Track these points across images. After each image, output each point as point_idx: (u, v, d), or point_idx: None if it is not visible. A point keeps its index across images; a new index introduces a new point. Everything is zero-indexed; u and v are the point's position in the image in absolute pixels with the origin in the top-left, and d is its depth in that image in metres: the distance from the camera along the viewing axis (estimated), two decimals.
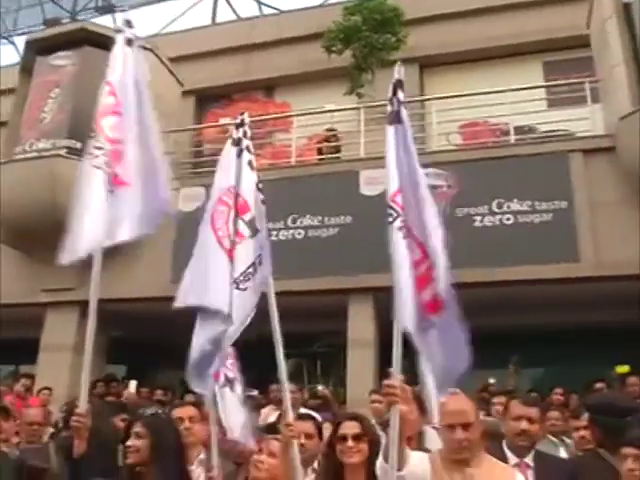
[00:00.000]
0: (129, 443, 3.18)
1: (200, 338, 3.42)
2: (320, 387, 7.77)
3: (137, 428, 3.17)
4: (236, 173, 3.68)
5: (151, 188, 3.49)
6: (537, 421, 3.56)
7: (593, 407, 4.02)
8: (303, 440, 3.68)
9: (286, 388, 3.31)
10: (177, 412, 3.99)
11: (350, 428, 3.18)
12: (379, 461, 2.79)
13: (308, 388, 7.43)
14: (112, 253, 10.54)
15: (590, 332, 9.30)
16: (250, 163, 3.77)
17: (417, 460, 2.91)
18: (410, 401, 2.70)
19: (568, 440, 4.82)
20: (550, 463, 3.57)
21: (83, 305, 10.30)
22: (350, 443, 3.13)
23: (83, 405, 3.32)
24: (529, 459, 3.51)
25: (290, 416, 3.24)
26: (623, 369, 7.94)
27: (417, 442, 3.68)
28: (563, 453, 4.41)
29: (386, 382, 2.62)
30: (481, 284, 8.62)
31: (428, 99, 11.51)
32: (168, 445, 3.12)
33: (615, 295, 8.67)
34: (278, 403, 5.92)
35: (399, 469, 2.72)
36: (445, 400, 3.10)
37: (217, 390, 3.77)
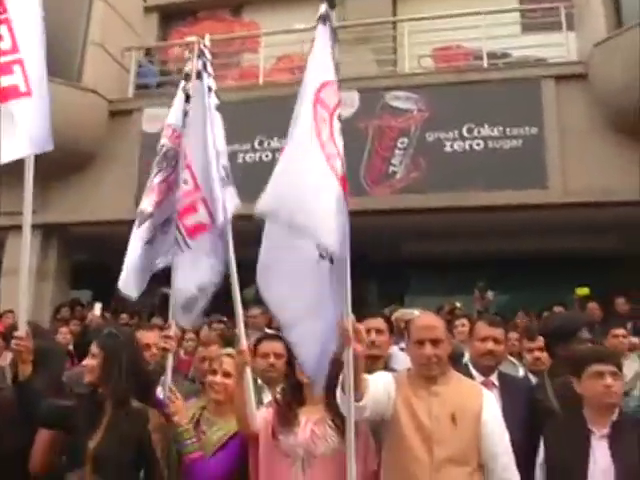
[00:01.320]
0: (85, 362, 3.14)
1: (200, 274, 3.36)
2: None
3: (93, 347, 3.13)
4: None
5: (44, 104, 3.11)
6: (502, 342, 3.61)
7: (544, 330, 4.13)
8: (272, 360, 3.66)
9: (239, 313, 3.19)
10: (144, 338, 3.93)
11: None
12: (338, 392, 2.73)
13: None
14: (72, 174, 10.26)
15: (556, 259, 9.43)
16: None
17: (379, 384, 2.87)
18: (363, 340, 2.62)
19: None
20: (512, 383, 3.62)
21: (46, 229, 10.09)
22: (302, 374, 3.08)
23: (22, 328, 3.20)
24: (494, 378, 3.56)
25: (243, 342, 3.15)
26: (583, 291, 8.07)
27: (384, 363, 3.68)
28: (522, 373, 4.47)
29: (338, 324, 2.52)
30: (450, 209, 8.61)
31: (400, 20, 11.18)
32: (120, 364, 3.06)
33: (581, 223, 8.75)
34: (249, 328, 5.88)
35: (358, 400, 2.70)
36: (416, 317, 3.11)
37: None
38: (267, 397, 3.54)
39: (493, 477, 2.82)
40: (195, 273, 3.47)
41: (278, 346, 3.65)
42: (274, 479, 3.02)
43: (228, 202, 3.21)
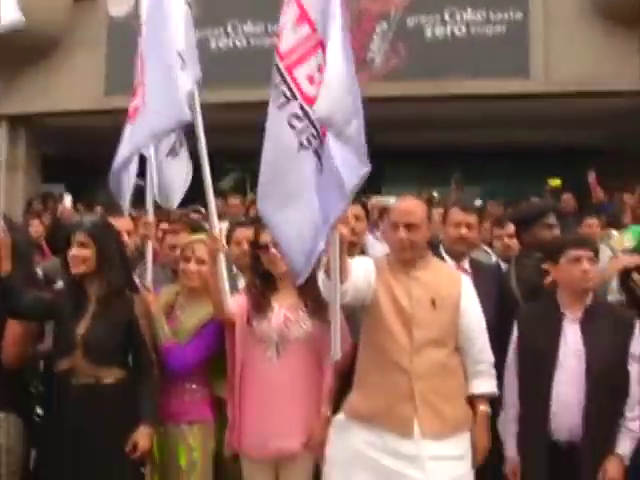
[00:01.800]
0: (73, 253, 3.04)
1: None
2: None
3: (80, 237, 3.04)
4: None
5: None
6: (475, 228, 3.57)
7: (513, 217, 4.14)
8: (246, 247, 3.56)
9: (211, 199, 3.05)
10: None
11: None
12: (321, 276, 2.66)
13: (250, 200, 7.26)
14: (37, 62, 9.77)
15: (533, 151, 9.34)
16: None
17: (360, 269, 2.81)
18: (347, 222, 2.59)
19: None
20: (483, 269, 3.61)
21: (12, 119, 9.75)
22: (274, 250, 3.01)
23: None
24: (466, 264, 3.54)
25: (215, 229, 3.05)
26: (555, 182, 8.03)
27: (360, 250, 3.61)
28: (494, 260, 4.46)
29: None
30: (429, 98, 8.40)
31: None
32: (113, 252, 3.07)
33: (563, 114, 8.59)
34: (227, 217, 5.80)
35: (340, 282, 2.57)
36: (396, 201, 3.08)
37: (159, 160, 3.66)
38: (242, 284, 3.50)
39: (469, 358, 2.89)
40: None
41: (250, 232, 3.50)
42: (250, 363, 3.03)
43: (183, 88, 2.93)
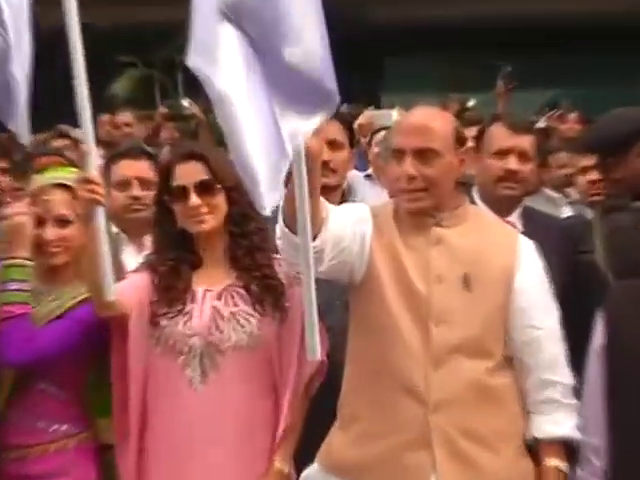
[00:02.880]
0: None
1: None
2: (186, 102, 6.26)
3: None
4: None
5: None
6: (531, 158, 2.70)
7: (591, 141, 3.06)
8: (136, 190, 2.72)
9: (87, 118, 2.08)
10: None
11: (190, 174, 2.21)
12: (279, 226, 1.98)
13: (160, 115, 6.15)
14: None
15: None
16: None
17: (347, 218, 2.12)
18: (320, 131, 1.86)
19: (575, 195, 3.89)
20: (544, 226, 2.73)
21: None
22: (194, 200, 2.17)
23: None
24: (516, 218, 2.66)
25: (92, 165, 2.10)
26: None
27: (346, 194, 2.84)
28: (567, 213, 3.51)
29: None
30: None
31: None
32: None
33: None
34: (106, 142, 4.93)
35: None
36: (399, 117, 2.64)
37: None
38: (129, 255, 2.62)
39: (529, 378, 2.16)
40: None
41: (143, 167, 2.73)
42: (156, 389, 2.17)
43: None
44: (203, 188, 2.16)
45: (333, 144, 2.72)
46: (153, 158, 2.76)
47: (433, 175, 2.11)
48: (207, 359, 2.12)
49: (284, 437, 2.13)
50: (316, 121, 1.75)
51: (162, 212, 2.25)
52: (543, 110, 5.60)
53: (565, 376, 2.16)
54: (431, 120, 2.18)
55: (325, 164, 2.49)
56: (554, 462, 2.14)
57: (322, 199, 1.98)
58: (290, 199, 1.85)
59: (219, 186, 2.17)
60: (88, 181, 2.03)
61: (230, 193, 2.18)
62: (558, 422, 2.14)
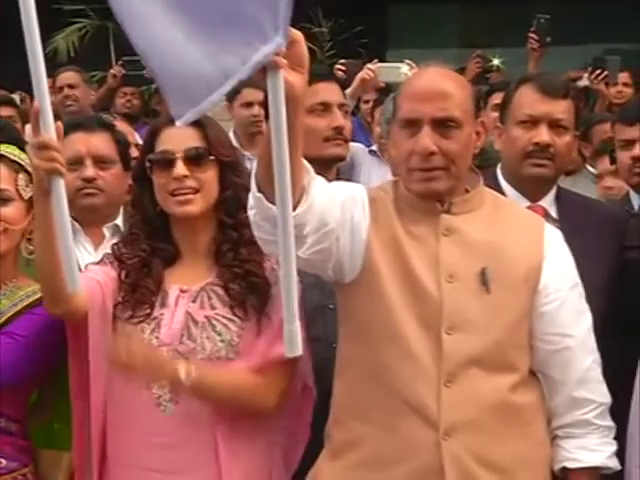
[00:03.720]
0: None
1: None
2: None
3: None
4: None
5: None
6: (569, 128, 2.29)
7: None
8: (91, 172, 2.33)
9: (41, 73, 1.68)
10: None
11: (180, 139, 1.88)
12: (251, 193, 1.69)
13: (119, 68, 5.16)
14: None
15: None
16: None
17: (338, 194, 1.82)
18: (304, 67, 1.60)
19: None
20: (584, 212, 2.35)
21: None
22: (180, 169, 1.86)
23: None
24: (548, 203, 2.29)
25: (45, 126, 1.70)
26: None
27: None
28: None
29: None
30: None
31: None
32: None
33: None
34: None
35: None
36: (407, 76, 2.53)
37: None
38: (86, 246, 2.31)
39: (558, 396, 1.89)
40: None
41: (100, 142, 2.32)
42: (117, 411, 1.86)
43: None
44: (193, 158, 1.85)
45: (326, 105, 2.36)
46: (112, 131, 2.41)
47: (455, 150, 1.81)
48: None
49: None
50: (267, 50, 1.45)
51: (142, 188, 1.91)
52: (586, 70, 4.89)
53: (600, 393, 1.88)
54: (448, 83, 1.86)
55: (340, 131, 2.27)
56: None
57: (304, 162, 1.67)
58: (264, 155, 1.56)
59: (213, 158, 1.85)
60: (44, 146, 1.68)
61: (224, 170, 1.87)
62: (591, 448, 1.87)
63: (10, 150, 1.97)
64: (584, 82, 4.59)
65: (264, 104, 2.25)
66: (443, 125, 1.81)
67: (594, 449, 1.86)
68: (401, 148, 1.86)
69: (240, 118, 3.83)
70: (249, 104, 3.75)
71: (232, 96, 3.65)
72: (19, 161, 1.92)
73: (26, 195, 1.89)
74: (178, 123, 1.53)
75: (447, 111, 1.82)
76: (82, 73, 4.97)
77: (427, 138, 1.80)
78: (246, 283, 1.82)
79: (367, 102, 4.24)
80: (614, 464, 1.89)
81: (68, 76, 4.79)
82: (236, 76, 1.50)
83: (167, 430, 1.78)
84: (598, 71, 4.53)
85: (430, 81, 1.90)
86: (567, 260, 1.93)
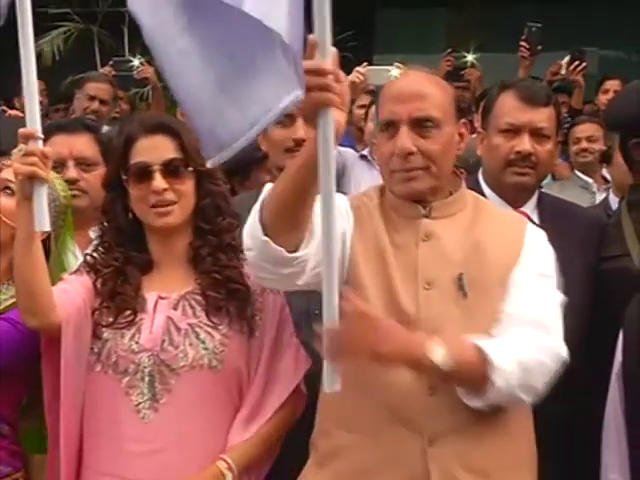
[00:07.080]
0: None
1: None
2: (136, 61, 4.78)
3: None
4: None
5: None
6: (550, 136, 2.25)
7: (613, 118, 2.56)
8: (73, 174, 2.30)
9: (31, 70, 1.80)
10: None
11: (156, 151, 1.85)
12: (252, 234, 1.64)
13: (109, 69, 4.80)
14: None
15: None
16: None
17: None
18: (347, 106, 1.58)
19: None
20: (565, 216, 2.30)
21: None
22: (159, 182, 1.82)
23: None
24: (530, 209, 2.26)
25: (36, 133, 1.75)
26: None
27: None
28: (599, 198, 3.13)
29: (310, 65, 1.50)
30: None
31: None
32: None
33: None
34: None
35: (291, 249, 1.69)
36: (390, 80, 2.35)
37: None
38: (73, 250, 2.25)
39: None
40: None
41: (82, 144, 2.32)
42: (96, 422, 1.81)
43: None
44: (171, 169, 1.81)
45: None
46: (95, 133, 2.38)
47: (434, 150, 1.78)
48: (158, 381, 1.76)
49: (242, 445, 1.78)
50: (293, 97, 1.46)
51: (114, 197, 1.86)
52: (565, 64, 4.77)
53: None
54: (426, 84, 1.85)
55: (297, 143, 2.17)
56: None
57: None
58: (278, 195, 1.54)
59: (190, 169, 1.81)
60: (27, 152, 1.68)
61: (202, 180, 1.83)
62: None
63: None
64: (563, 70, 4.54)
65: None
66: (421, 125, 1.80)
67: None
68: (382, 150, 1.84)
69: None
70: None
71: None
72: None
73: None
74: (208, 165, 1.54)
75: (424, 111, 1.80)
76: (115, 88, 4.54)
77: (405, 138, 1.79)
78: (226, 290, 1.79)
79: (362, 107, 4.08)
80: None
81: (104, 89, 4.37)
82: (260, 124, 1.51)
83: (146, 437, 1.74)
84: (576, 62, 4.45)
85: (408, 83, 1.90)
86: (543, 256, 1.88)
